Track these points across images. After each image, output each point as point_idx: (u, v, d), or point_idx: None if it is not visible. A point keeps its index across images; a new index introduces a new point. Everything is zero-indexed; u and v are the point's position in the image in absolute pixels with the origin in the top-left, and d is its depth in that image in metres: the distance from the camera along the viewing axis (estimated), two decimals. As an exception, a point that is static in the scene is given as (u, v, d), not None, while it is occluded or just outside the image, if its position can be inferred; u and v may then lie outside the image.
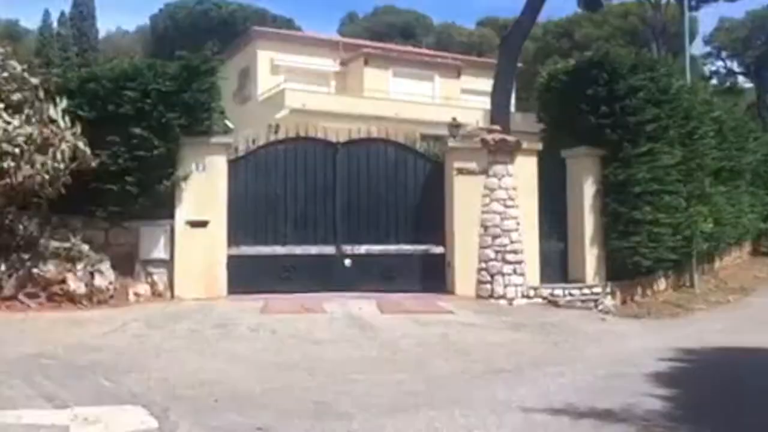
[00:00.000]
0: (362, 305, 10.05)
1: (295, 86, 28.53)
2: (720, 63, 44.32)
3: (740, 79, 45.00)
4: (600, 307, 11.60)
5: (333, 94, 30.46)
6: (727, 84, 43.79)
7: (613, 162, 11.89)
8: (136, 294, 10.24)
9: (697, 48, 43.11)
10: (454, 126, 12.61)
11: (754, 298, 14.87)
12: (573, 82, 12.41)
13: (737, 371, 7.38)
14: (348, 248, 11.32)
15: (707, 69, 44.35)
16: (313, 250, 11.23)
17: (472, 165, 11.39)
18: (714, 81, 43.77)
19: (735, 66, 43.99)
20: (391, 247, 11.45)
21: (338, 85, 31.92)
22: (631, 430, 5.05)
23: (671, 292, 14.28)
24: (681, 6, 27.38)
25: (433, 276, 11.38)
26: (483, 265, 11.21)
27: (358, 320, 9.24)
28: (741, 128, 18.70)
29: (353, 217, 11.47)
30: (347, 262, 11.26)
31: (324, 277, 11.15)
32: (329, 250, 11.31)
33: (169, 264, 10.57)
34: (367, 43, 33.53)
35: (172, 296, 10.49)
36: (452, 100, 31.46)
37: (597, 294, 11.91)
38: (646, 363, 7.47)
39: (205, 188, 10.71)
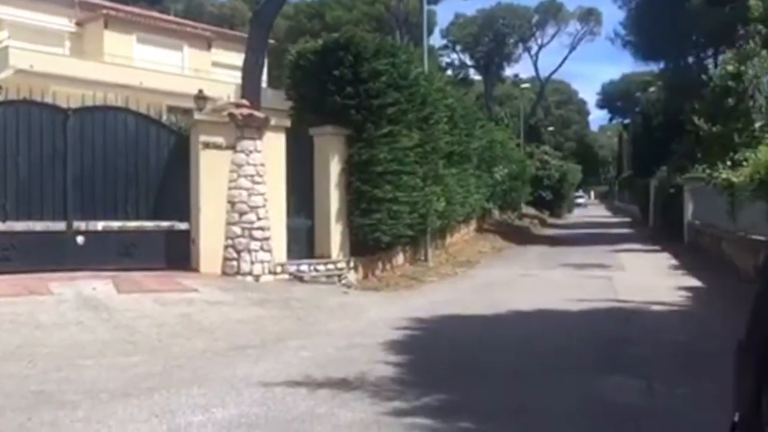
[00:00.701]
0: (96, 285, 9.31)
1: (22, 45, 25.46)
2: (454, 56, 48.53)
3: (471, 71, 49.68)
4: (343, 282, 12.09)
5: (68, 57, 27.73)
6: (460, 75, 48.05)
7: (357, 142, 12.37)
8: None
9: (435, 40, 46.64)
10: (201, 98, 12.22)
11: (478, 270, 16.57)
12: (321, 62, 12.64)
13: (457, 336, 8.12)
14: (81, 224, 10.41)
15: (443, 60, 48.21)
16: (39, 226, 10.13)
17: (220, 139, 11.10)
18: (449, 72, 47.76)
19: (467, 59, 48.44)
20: (131, 224, 10.76)
21: (74, 48, 29.10)
22: (364, 395, 5.32)
23: (408, 266, 15.35)
24: (421, -1, 29.39)
25: (178, 254, 10.93)
26: (230, 242, 11.02)
27: (91, 301, 8.56)
28: (470, 116, 20.63)
29: (87, 191, 10.56)
30: (80, 239, 10.36)
31: (53, 256, 10.11)
32: (59, 226, 10.29)
33: None
34: (108, 3, 30.95)
35: None
36: (203, 72, 30.44)
37: (341, 269, 12.37)
38: (382, 333, 7.93)
39: None
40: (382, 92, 12.47)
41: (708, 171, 17.79)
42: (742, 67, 18.45)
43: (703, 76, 20.62)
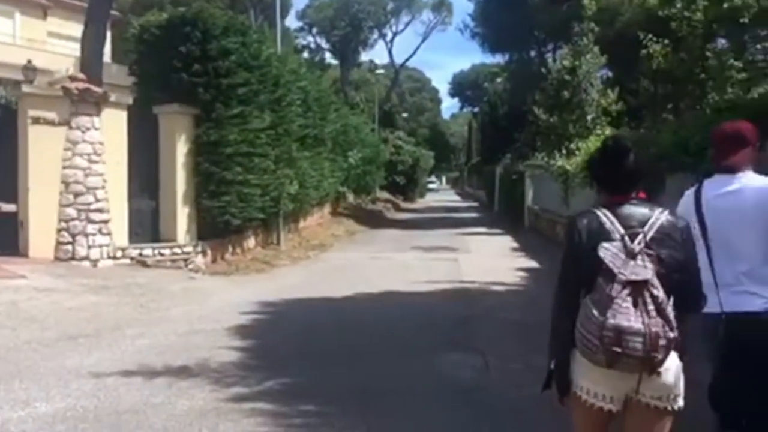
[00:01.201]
0: None
1: None
2: (311, 38, 48.17)
3: (327, 55, 49.61)
4: (190, 266, 11.69)
5: None
6: (316, 58, 47.81)
7: (206, 122, 11.95)
8: None
9: (291, 21, 46.10)
10: (30, 69, 11.25)
11: (330, 253, 16.62)
12: (167, 37, 12.05)
13: (305, 319, 8.11)
14: None
15: (299, 43, 47.76)
16: None
17: (52, 115, 10.30)
18: (305, 55, 47.37)
19: (323, 43, 48.25)
20: (-52, 205, 9.76)
21: None
22: (204, 383, 5.16)
23: (260, 250, 15.11)
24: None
25: (4, 238, 10.06)
26: (64, 224, 10.29)
27: None
28: (324, 100, 20.59)
29: None
30: None
31: None
32: None
33: None
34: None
35: None
36: (37, 43, 28.06)
37: (188, 253, 11.94)
38: (228, 318, 7.75)
39: None
40: (232, 71, 12.12)
41: (546, 159, 18.96)
42: (577, 62, 19.79)
43: (543, 70, 21.92)
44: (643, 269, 2.38)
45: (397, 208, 36.99)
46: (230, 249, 13.42)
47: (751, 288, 3.01)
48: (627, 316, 2.32)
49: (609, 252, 2.41)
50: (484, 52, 32.41)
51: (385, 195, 39.45)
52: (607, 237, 2.46)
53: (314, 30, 46.24)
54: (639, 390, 2.47)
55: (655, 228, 2.47)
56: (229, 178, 12.18)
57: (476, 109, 52.43)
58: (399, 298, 9.62)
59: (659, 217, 2.51)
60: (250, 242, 14.73)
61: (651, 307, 2.34)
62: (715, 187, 3.17)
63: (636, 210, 2.53)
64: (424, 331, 7.42)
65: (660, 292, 2.36)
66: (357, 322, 7.83)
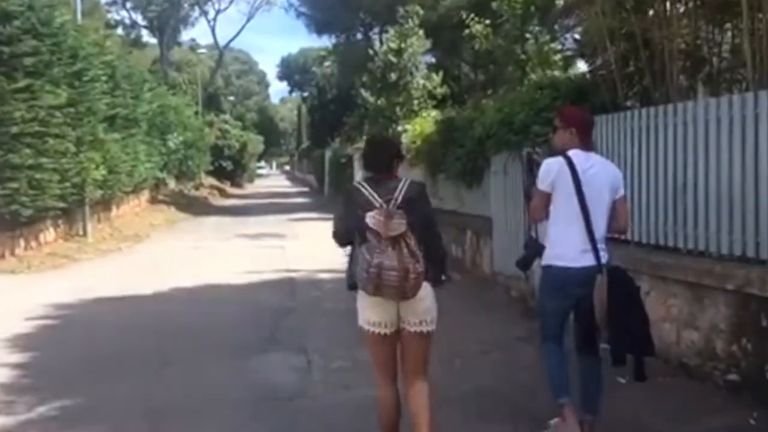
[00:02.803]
0: None
1: None
2: (125, 13, 44.64)
3: (145, 32, 46.31)
4: (-31, 265, 10.01)
5: None
6: (132, 35, 44.51)
7: (-17, 96, 10.24)
8: None
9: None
10: None
11: (146, 244, 15.25)
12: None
13: (103, 322, 7.03)
14: None
15: (113, 18, 44.16)
16: None
17: None
18: (120, 31, 43.94)
19: (140, 19, 44.96)
20: None
21: None
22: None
23: (62, 243, 13.46)
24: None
25: None
26: None
27: None
28: (136, 77, 18.90)
29: None
30: None
31: None
32: None
33: None
34: None
35: None
36: None
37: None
38: (6, 327, 6.52)
39: None
40: (16, 39, 10.46)
41: (374, 141, 18.68)
42: (403, 44, 19.71)
43: (371, 51, 21.63)
44: (399, 226, 3.10)
45: (224, 195, 35.49)
46: (22, 243, 11.71)
47: (603, 246, 3.63)
48: (387, 257, 3.05)
49: (374, 219, 3.12)
50: (310, 33, 31.44)
51: (211, 181, 37.73)
52: (371, 205, 3.21)
53: (128, 4, 42.97)
54: (404, 318, 3.26)
55: (402, 194, 3.25)
56: (16, 161, 10.53)
57: (305, 93, 51.59)
58: (218, 292, 8.77)
59: (404, 185, 3.28)
60: (49, 235, 13.05)
61: (405, 251, 3.08)
62: (581, 162, 3.61)
63: (390, 183, 3.31)
64: (242, 328, 6.68)
65: (411, 240, 3.11)
66: (165, 323, 6.90)
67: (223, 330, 6.60)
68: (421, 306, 3.22)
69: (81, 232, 14.66)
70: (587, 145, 3.74)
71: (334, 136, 30.00)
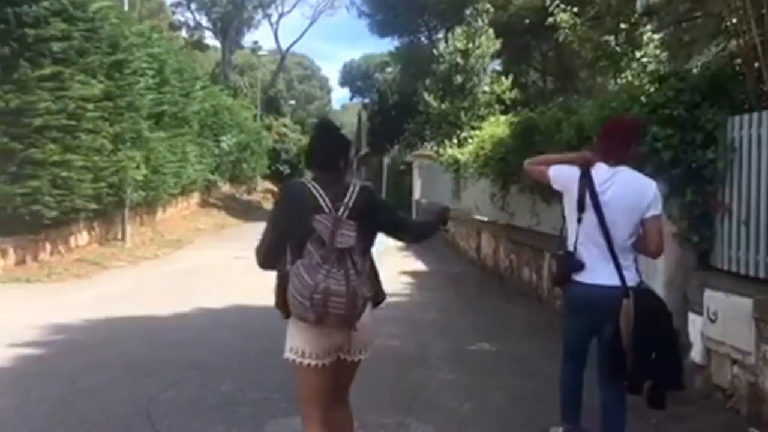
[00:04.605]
0: None
1: None
2: (189, 15, 44.39)
3: (208, 35, 46.00)
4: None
5: None
6: (195, 37, 44.26)
7: (4, 83, 9.21)
8: None
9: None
10: None
11: (186, 251, 14.22)
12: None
13: (98, 356, 5.70)
14: None
15: (177, 19, 43.98)
16: None
17: None
18: (184, 33, 43.75)
19: (204, 21, 44.64)
20: None
21: None
22: None
23: (96, 247, 12.50)
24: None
25: None
26: None
27: None
28: (188, 74, 17.95)
29: None
30: None
31: None
32: None
33: None
34: None
35: None
36: None
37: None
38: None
39: None
40: (44, 20, 9.44)
41: (436, 148, 17.30)
42: (470, 45, 18.24)
43: (435, 51, 20.23)
44: (348, 238, 2.61)
45: (279, 199, 34.56)
46: (48, 247, 10.71)
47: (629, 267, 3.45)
48: (334, 279, 2.55)
49: (321, 224, 2.62)
50: (372, 34, 30.25)
51: (267, 185, 36.92)
52: (319, 208, 2.71)
53: (193, 5, 42.70)
54: (344, 346, 2.82)
55: (353, 200, 2.77)
56: (37, 157, 9.50)
57: (366, 100, 50.59)
58: (249, 317, 7.43)
59: (355, 191, 2.80)
60: (81, 239, 12.06)
61: (352, 271, 2.59)
62: (600, 176, 3.44)
63: (338, 186, 2.79)
64: (262, 372, 5.30)
65: (359, 258, 2.65)
66: (175, 357, 5.61)
67: (243, 373, 5.25)
68: (366, 332, 2.83)
69: (119, 236, 13.70)
70: (618, 158, 3.46)
71: (394, 143, 28.65)
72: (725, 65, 5.08)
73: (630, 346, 3.25)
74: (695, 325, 4.81)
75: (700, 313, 4.74)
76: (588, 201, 3.38)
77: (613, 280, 3.34)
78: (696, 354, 4.80)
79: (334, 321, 2.59)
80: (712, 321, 4.58)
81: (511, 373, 5.44)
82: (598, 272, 3.37)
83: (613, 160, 3.44)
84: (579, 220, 3.42)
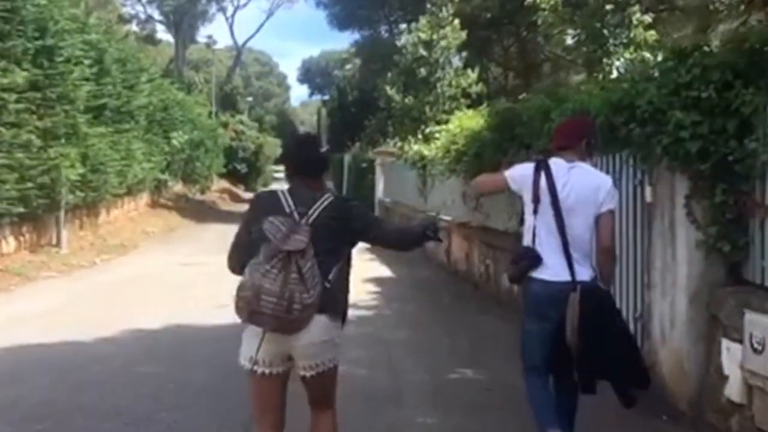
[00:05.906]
0: None
1: None
2: (140, 8, 42.61)
3: (161, 28, 44.26)
4: None
5: None
6: (145, 31, 42.51)
7: None
8: None
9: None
10: None
11: (129, 257, 13.02)
12: None
13: None
14: None
15: (127, 12, 42.15)
16: None
17: None
18: (134, 27, 41.95)
19: (156, 14, 42.91)
20: None
21: None
22: None
23: (27, 255, 11.20)
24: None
25: None
26: None
27: None
28: (131, 64, 16.64)
29: None
30: None
31: None
32: None
33: None
34: None
35: None
36: None
37: None
38: None
39: None
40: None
41: (399, 145, 16.36)
42: (435, 35, 17.32)
43: (397, 43, 19.28)
44: (299, 242, 2.58)
45: (236, 199, 33.16)
46: (-36, 257, 9.44)
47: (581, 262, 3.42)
48: (267, 278, 2.53)
49: (272, 224, 2.61)
50: (332, 28, 29.14)
51: (224, 184, 35.52)
52: (281, 211, 2.74)
53: (144, -1, 40.93)
54: (293, 358, 2.72)
55: (320, 210, 2.77)
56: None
57: (326, 97, 49.48)
58: (189, 342, 6.35)
59: (326, 201, 2.81)
60: (7, 245, 10.74)
61: (294, 275, 2.55)
62: (559, 171, 3.49)
63: (308, 193, 2.84)
64: (197, 422, 4.25)
65: (307, 263, 2.58)
66: (87, 402, 4.50)
67: (171, 426, 4.18)
68: (312, 346, 2.67)
69: (54, 242, 12.39)
70: (573, 154, 3.49)
71: (355, 140, 27.66)
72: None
73: (577, 342, 3.22)
74: (732, 354, 3.92)
75: (739, 341, 3.86)
76: (545, 197, 3.38)
77: (566, 276, 3.34)
78: (732, 390, 3.92)
79: (266, 321, 2.56)
80: (757, 351, 3.70)
81: (502, 410, 4.50)
82: (554, 268, 3.36)
83: (568, 157, 3.47)
84: (535, 212, 3.41)
